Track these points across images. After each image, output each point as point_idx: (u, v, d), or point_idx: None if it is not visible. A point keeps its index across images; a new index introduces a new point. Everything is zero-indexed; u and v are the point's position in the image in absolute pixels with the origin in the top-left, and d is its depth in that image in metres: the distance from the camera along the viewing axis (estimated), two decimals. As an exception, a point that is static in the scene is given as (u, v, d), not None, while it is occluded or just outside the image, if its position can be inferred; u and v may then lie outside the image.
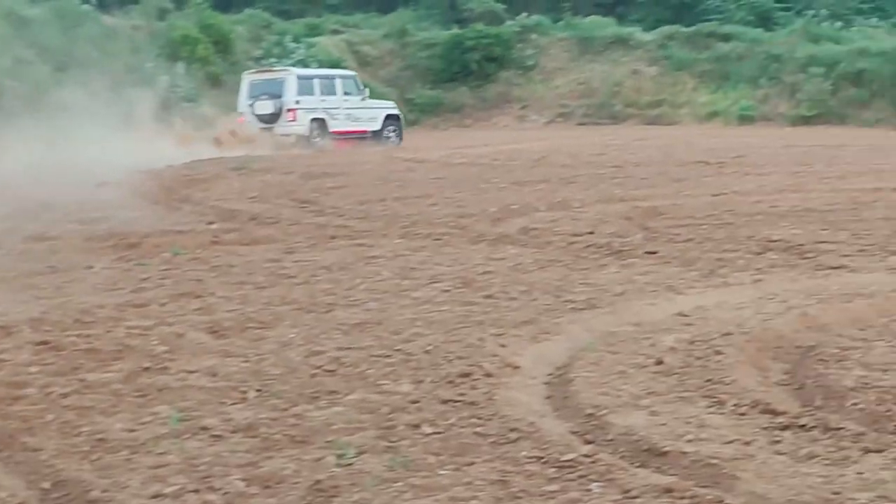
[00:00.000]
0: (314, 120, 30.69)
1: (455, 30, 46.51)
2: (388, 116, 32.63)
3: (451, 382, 6.41)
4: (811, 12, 47.30)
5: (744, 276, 9.70)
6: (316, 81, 31.66)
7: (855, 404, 5.97)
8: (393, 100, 35.35)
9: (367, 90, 32.76)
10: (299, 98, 30.69)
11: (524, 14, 47.33)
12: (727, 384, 6.27)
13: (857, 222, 13.21)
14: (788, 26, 46.46)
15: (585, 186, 17.71)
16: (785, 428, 5.58)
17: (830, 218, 13.64)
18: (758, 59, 42.05)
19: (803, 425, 5.57)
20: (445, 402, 6.07)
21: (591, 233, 12.50)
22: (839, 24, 46.49)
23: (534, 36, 45.20)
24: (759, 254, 10.91)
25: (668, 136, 33.46)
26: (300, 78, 31.46)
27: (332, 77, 32.53)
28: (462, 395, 6.17)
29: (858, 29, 46.31)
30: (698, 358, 6.87)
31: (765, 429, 5.59)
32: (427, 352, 7.08)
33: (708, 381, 6.38)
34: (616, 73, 42.05)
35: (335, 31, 45.97)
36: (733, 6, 50.10)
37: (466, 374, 6.52)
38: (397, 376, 6.60)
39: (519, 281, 9.59)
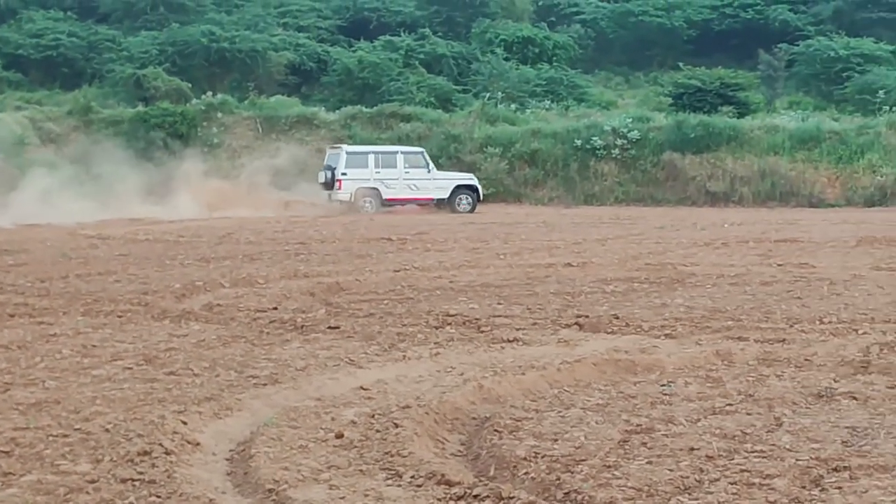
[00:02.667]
0: (361, 189, 35.66)
1: (140, 107, 46.02)
2: (459, 186, 37.10)
3: (130, 461, 6.34)
4: (487, 94, 48.96)
5: (423, 349, 9.94)
6: (371, 156, 36.53)
7: (526, 473, 6.20)
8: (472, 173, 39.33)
9: (430, 163, 37.27)
10: (347, 170, 35.73)
11: (209, 93, 47.29)
12: (405, 456, 6.44)
13: (530, 297, 13.74)
14: (467, 108, 47.94)
15: (270, 263, 17.79)
16: (459, 498, 5.77)
17: (506, 293, 14.13)
18: (438, 138, 43.18)
19: (477, 495, 5.76)
20: (124, 481, 6.01)
21: (274, 308, 12.57)
22: (514, 106, 48.31)
23: (219, 114, 45.16)
24: (438, 328, 11.21)
25: (353, 215, 34.02)
26: (349, 153, 36.34)
27: (394, 153, 37.22)
28: (141, 473, 6.12)
29: (532, 111, 48.25)
30: (378, 431, 7.03)
31: (440, 500, 5.77)
32: (107, 430, 6.98)
33: (387, 453, 6.53)
34: (301, 152, 42.30)
35: (18, 108, 44.89)
36: (414, 88, 51.36)
37: (146, 453, 6.45)
38: (75, 456, 6.49)
39: (202, 357, 9.56)
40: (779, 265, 17.39)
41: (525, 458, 6.44)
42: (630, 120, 43.73)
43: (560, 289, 14.53)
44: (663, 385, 8.52)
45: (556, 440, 6.86)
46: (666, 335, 10.78)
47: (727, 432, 7.04)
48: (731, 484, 5.95)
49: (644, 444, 6.78)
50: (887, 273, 16.36)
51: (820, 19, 64.82)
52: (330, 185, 36.19)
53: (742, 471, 6.18)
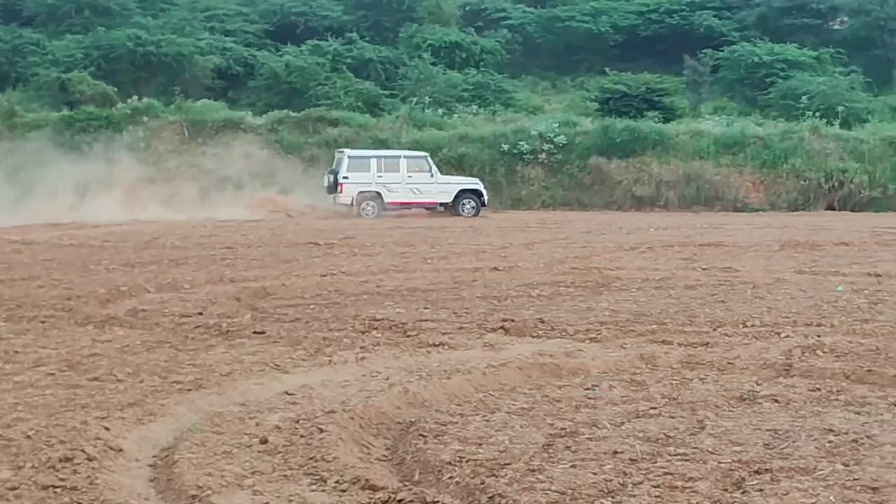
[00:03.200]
0: (362, 192, 36.01)
1: (65, 111, 45.55)
2: (463, 191, 37.39)
3: (52, 467, 6.27)
4: (415, 99, 48.96)
5: (349, 354, 9.93)
6: (373, 161, 36.86)
7: (451, 478, 6.21)
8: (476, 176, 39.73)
9: (434, 168, 37.46)
10: (348, 174, 36.18)
11: (135, 97, 46.91)
12: (329, 461, 6.42)
13: (457, 301, 13.77)
14: (394, 112, 47.92)
15: (196, 267, 17.68)
16: (384, 503, 5.77)
17: (433, 297, 14.15)
18: (365, 143, 43.09)
19: (401, 500, 5.77)
20: (46, 487, 5.95)
21: (200, 313, 12.50)
22: (441, 111, 48.37)
23: (145, 119, 44.80)
24: (364, 332, 11.21)
25: (280, 219, 33.90)
26: (351, 157, 36.84)
27: (397, 157, 37.49)
28: (63, 479, 6.06)
29: (460, 116, 48.32)
30: (302, 436, 7.01)
31: (364, 504, 5.78)
32: (28, 436, 6.90)
33: (311, 458, 6.51)
34: (228, 156, 42.09)
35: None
36: (342, 92, 51.25)
37: (68, 459, 6.39)
38: (-4, 463, 6.42)
39: (126, 363, 9.48)
40: (703, 269, 17.54)
41: (450, 463, 6.45)
42: (557, 125, 43.95)
43: (486, 293, 14.57)
44: (588, 389, 8.57)
45: (480, 444, 6.88)
46: (591, 339, 10.84)
47: (650, 435, 7.09)
48: (654, 487, 6.00)
49: (568, 447, 6.82)
50: (810, 277, 16.56)
51: (744, 25, 65.39)
52: (333, 188, 36.63)
53: (665, 474, 6.23)
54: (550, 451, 6.76)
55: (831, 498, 5.78)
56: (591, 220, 33.48)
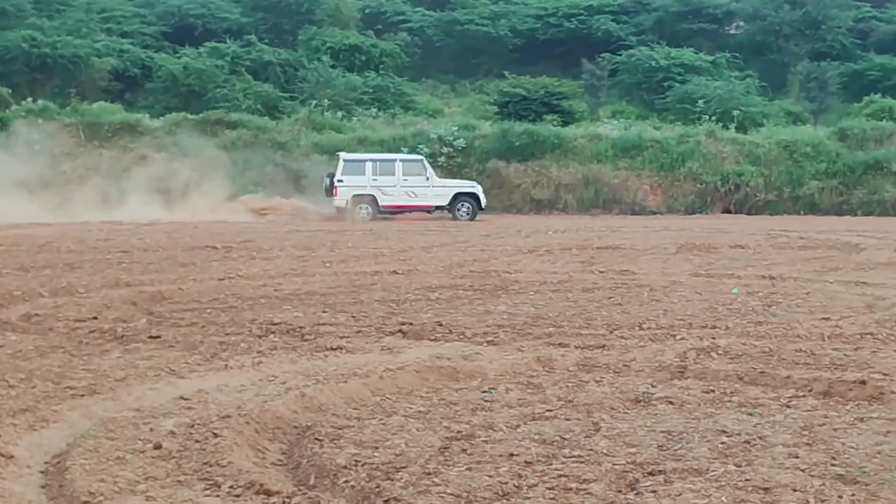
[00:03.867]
0: (356, 196, 36.30)
1: (-45, 113, 44.86)
2: (459, 194, 37.33)
3: (-60, 476, 6.18)
4: (314, 102, 48.83)
5: (245, 358, 9.87)
6: (368, 164, 37.03)
7: (346, 482, 6.19)
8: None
9: (430, 171, 37.39)
10: (343, 177, 36.44)
11: (30, 99, 46.28)
12: (224, 466, 6.38)
13: (355, 304, 13.75)
14: (293, 115, 47.76)
15: (91, 271, 17.46)
16: (279, 507, 5.76)
17: (331, 300, 14.11)
18: (264, 146, 42.93)
19: (296, 504, 5.76)
20: (-66, 496, 5.85)
21: (94, 318, 12.35)
22: (341, 113, 48.30)
23: (40, 121, 44.16)
24: (262, 336, 11.15)
25: (177, 222, 33.53)
26: (346, 161, 37.01)
27: (392, 160, 37.58)
28: (-49, 488, 5.97)
29: (359, 119, 48.30)
30: (197, 441, 6.95)
31: (259, 509, 5.75)
32: (-84, 445, 6.78)
33: (205, 463, 6.46)
34: (125, 159, 41.69)
35: None
36: (241, 95, 50.97)
37: (-42, 467, 6.30)
38: None
39: (18, 368, 9.34)
40: (600, 272, 17.69)
41: (345, 467, 6.43)
42: (456, 128, 44.14)
43: (385, 296, 14.57)
44: (485, 392, 8.59)
45: (376, 448, 6.87)
46: (488, 342, 10.88)
47: (546, 438, 7.13)
48: (549, 489, 6.03)
49: (464, 450, 6.83)
50: (705, 279, 16.77)
51: (642, 29, 66.10)
52: (329, 191, 37.07)
53: (560, 476, 6.26)
54: (446, 454, 6.76)
55: (723, 498, 5.85)
56: (489, 224, 33.63)
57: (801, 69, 58.45)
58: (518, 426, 7.46)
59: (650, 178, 42.83)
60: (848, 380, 8.84)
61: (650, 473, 6.32)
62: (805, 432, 7.29)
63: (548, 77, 53.03)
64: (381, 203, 36.62)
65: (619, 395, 8.48)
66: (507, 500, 5.89)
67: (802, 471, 6.36)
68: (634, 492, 6.02)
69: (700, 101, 49.93)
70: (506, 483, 6.12)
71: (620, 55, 59.04)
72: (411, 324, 11.91)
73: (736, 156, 43.46)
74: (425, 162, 38.10)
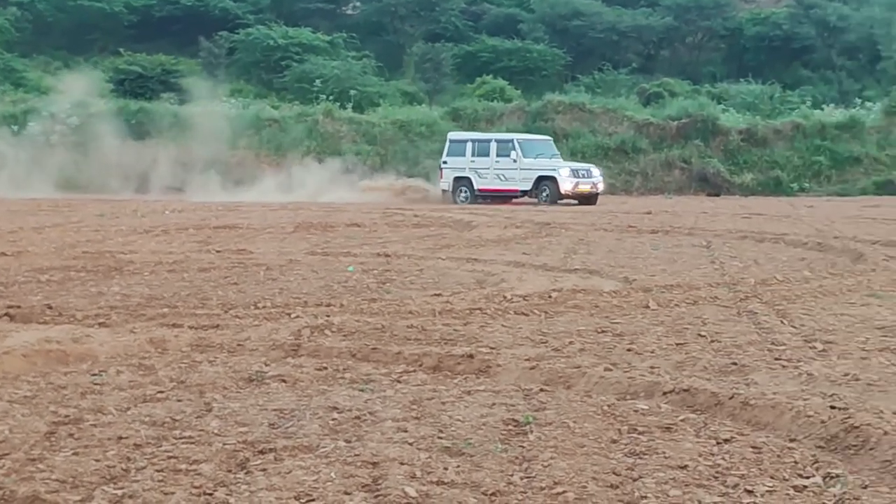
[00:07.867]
0: (457, 178, 35.52)
1: None
2: (541, 178, 35.10)
3: None
4: None
5: None
6: (469, 144, 35.90)
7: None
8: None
9: (516, 152, 35.26)
10: (447, 158, 35.85)
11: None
12: None
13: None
14: None
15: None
16: None
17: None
18: None
19: None
20: None
21: None
22: None
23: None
24: None
25: None
26: (452, 140, 36.41)
27: (488, 140, 36.25)
28: None
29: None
30: None
31: None
32: None
33: None
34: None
35: None
36: None
37: None
38: None
39: None
40: (217, 252, 17.62)
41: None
42: (69, 106, 42.89)
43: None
44: (94, 374, 8.41)
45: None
46: (100, 324, 10.64)
47: (157, 420, 7.04)
48: (158, 471, 5.95)
49: (71, 434, 6.66)
50: (321, 257, 16.96)
51: (259, 8, 66.12)
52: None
53: (170, 457, 6.20)
54: (53, 439, 6.58)
55: (332, 474, 5.92)
56: (106, 203, 32.85)
57: (417, 50, 59.91)
58: (128, 409, 7.34)
59: (268, 157, 42.91)
60: (457, 354, 9.11)
61: (261, 452, 6.34)
62: (414, 406, 7.47)
63: (164, 55, 52.29)
64: (476, 186, 35.53)
65: (233, 374, 8.47)
66: (115, 483, 5.78)
67: (410, 444, 6.51)
68: (244, 471, 6.02)
69: (318, 81, 50.43)
70: (113, 466, 6.01)
71: (238, 34, 58.86)
72: (19, 307, 11.49)
73: (353, 135, 44.12)
74: (517, 142, 36.27)
